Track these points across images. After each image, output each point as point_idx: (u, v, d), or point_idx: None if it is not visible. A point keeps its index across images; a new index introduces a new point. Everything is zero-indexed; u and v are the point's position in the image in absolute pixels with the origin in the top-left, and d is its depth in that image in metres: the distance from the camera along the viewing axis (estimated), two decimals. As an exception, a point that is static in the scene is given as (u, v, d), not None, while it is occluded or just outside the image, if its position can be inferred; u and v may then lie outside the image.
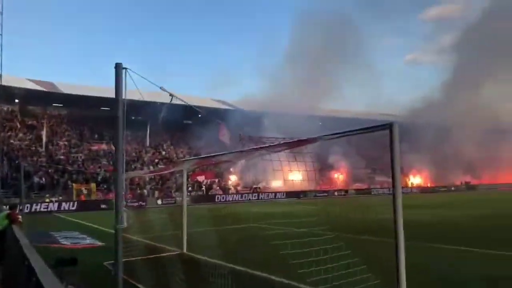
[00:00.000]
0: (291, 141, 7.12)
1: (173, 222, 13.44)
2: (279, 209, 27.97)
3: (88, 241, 14.80)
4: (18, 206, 13.96)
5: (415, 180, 61.27)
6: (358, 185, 54.37)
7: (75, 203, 36.13)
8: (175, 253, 10.97)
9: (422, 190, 56.06)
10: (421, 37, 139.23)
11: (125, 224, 5.78)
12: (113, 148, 49.29)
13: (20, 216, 12.20)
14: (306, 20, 78.06)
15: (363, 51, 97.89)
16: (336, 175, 54.11)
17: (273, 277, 7.99)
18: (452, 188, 58.26)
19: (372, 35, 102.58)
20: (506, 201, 32.28)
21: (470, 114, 64.54)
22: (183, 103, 8.13)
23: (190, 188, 45.14)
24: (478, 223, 17.90)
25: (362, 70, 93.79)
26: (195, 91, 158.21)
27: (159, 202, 40.51)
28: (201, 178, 47.84)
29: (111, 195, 40.58)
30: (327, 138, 6.89)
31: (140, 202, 38.72)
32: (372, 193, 51.50)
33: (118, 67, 5.87)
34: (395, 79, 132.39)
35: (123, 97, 5.99)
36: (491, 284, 7.68)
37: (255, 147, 8.76)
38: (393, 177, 4.81)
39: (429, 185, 60.97)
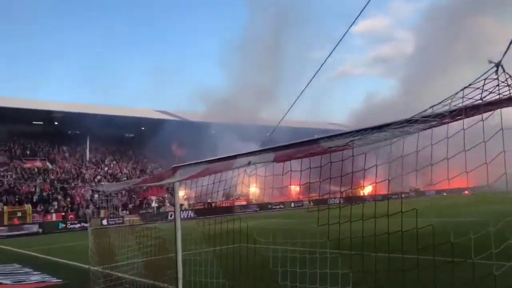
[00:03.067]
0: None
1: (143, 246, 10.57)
2: (257, 224, 25.16)
3: (37, 277, 11.62)
4: None
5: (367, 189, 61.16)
6: (313, 196, 53.08)
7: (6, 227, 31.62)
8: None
9: (374, 198, 55.89)
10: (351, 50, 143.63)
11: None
12: (49, 165, 44.85)
13: None
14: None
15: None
16: (293, 187, 52.45)
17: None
18: (403, 196, 58.60)
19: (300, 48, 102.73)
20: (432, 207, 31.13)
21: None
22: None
23: (130, 206, 41.65)
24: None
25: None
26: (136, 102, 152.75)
27: (104, 222, 36.59)
28: (151, 195, 44.36)
29: (50, 217, 36.26)
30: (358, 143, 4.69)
31: (83, 224, 34.80)
32: (329, 203, 50.32)
33: None
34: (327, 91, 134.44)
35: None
36: None
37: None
38: None
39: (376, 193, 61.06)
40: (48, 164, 47.85)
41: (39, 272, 12.25)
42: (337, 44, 7.57)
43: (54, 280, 10.79)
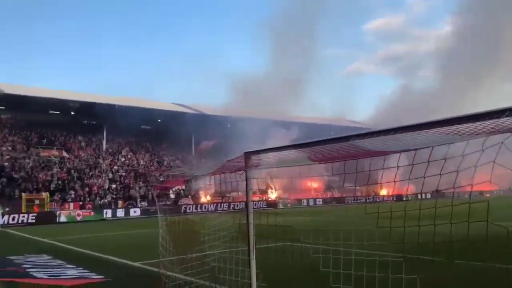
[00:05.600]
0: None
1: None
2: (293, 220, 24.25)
3: (73, 271, 10.75)
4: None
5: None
6: (331, 194, 52.09)
7: (29, 215, 31.04)
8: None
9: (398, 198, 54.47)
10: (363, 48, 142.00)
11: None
12: (65, 154, 44.26)
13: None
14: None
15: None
16: (309, 184, 51.42)
17: None
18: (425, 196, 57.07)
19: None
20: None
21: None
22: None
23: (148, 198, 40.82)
24: None
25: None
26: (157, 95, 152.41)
27: (120, 213, 35.85)
28: (172, 186, 43.65)
29: (67, 206, 35.65)
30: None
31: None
32: (346, 201, 49.34)
33: None
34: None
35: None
36: None
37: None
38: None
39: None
40: (64, 153, 47.27)
41: (74, 266, 11.38)
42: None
43: (94, 276, 9.88)
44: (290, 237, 5.84)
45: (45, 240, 18.94)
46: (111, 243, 17.16)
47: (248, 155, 6.83)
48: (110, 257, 12.73)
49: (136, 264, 11.34)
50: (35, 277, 10.10)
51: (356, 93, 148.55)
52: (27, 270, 11.06)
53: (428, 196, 56.88)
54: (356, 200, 50.22)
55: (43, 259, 12.90)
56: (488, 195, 51.77)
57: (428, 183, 4.35)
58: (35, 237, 20.33)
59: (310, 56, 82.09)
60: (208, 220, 7.40)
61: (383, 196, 52.40)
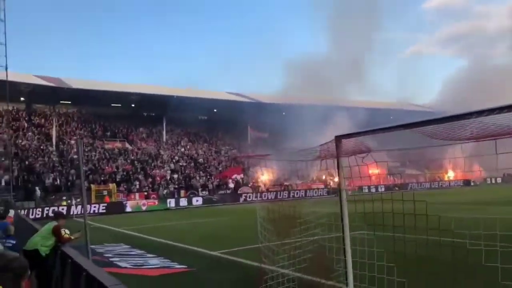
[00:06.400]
0: None
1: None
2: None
3: (155, 261, 10.81)
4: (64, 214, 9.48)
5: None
6: (393, 180, 50.37)
7: (100, 206, 32.52)
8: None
9: (465, 183, 51.80)
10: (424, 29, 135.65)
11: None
12: (128, 146, 45.60)
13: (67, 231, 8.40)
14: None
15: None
16: (370, 171, 49.81)
17: None
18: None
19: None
20: None
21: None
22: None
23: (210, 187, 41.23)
24: None
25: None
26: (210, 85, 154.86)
27: (184, 203, 36.52)
28: (231, 174, 43.99)
29: (133, 196, 36.81)
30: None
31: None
32: (409, 188, 47.52)
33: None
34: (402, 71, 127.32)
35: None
36: None
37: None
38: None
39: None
40: (127, 145, 48.85)
41: (154, 255, 11.49)
42: None
43: (177, 265, 9.87)
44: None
45: (119, 229, 19.48)
46: (184, 232, 17.28)
47: (338, 139, 6.40)
48: (188, 247, 12.75)
49: (215, 253, 11.25)
50: (120, 267, 10.24)
51: (418, 76, 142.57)
52: (110, 259, 11.28)
53: (499, 180, 53.77)
54: (420, 185, 48.34)
55: (123, 249, 13.17)
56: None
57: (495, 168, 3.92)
58: (108, 227, 20.97)
59: (369, 38, 79.20)
60: (303, 207, 7.03)
61: (449, 181, 50.13)
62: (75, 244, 8.18)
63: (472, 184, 50.04)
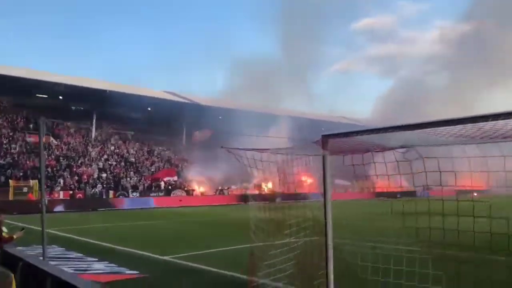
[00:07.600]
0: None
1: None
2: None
3: (99, 265, 9.81)
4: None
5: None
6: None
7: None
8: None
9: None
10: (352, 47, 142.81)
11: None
12: (53, 140, 42.62)
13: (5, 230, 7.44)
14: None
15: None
16: (303, 178, 50.71)
17: None
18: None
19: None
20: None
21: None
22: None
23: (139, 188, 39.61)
24: None
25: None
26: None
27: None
28: (163, 176, 42.59)
29: (57, 195, 34.28)
30: None
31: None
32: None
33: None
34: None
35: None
36: None
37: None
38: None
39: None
40: (52, 139, 45.51)
41: (95, 259, 10.46)
42: None
43: (128, 271, 9.00)
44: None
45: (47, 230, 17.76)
46: (123, 235, 16.13)
47: (325, 138, 6.14)
48: (133, 250, 11.82)
49: (167, 258, 10.48)
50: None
51: (346, 91, 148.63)
52: (50, 263, 10.08)
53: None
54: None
55: (57, 251, 11.93)
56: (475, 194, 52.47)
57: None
58: (33, 227, 19.10)
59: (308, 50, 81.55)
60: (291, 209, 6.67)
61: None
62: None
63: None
